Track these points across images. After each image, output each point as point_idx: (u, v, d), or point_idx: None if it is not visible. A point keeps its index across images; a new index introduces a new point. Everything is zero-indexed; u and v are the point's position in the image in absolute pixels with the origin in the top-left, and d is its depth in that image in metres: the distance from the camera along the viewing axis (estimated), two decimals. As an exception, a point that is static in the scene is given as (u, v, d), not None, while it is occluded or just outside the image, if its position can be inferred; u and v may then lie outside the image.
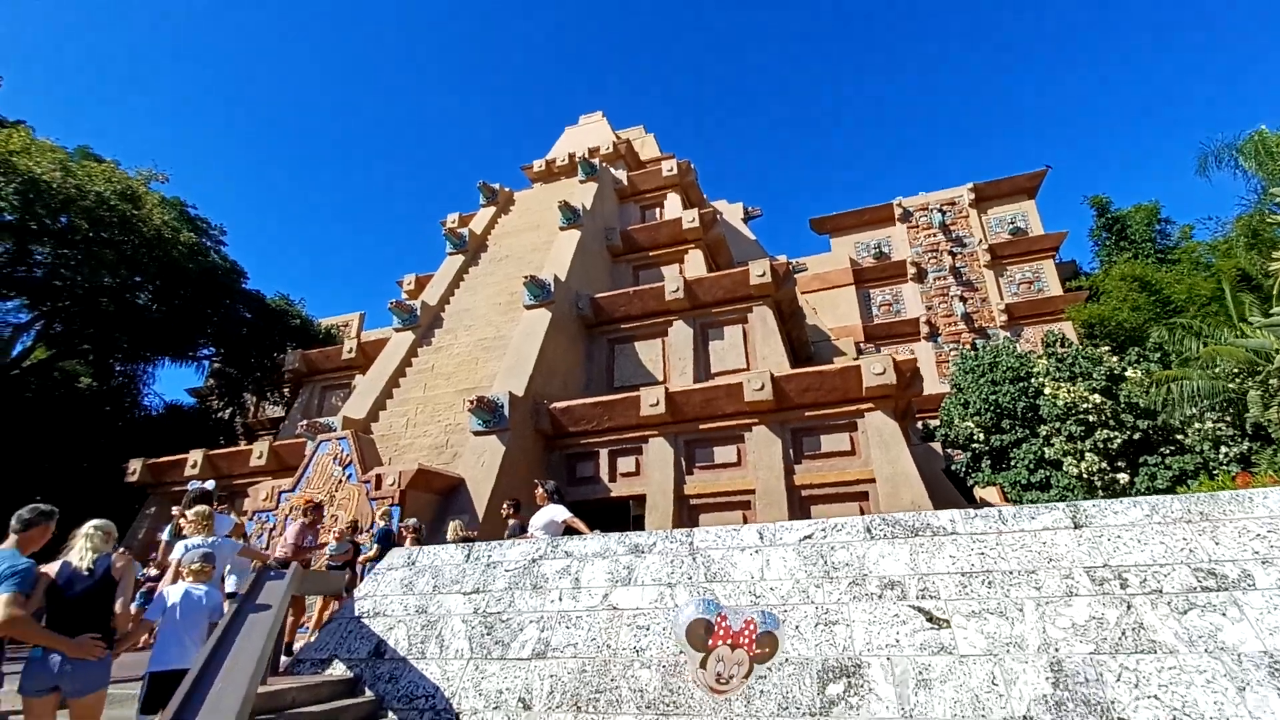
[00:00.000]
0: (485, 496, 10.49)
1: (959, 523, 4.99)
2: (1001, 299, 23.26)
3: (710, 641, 2.76)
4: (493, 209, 19.52)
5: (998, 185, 25.02)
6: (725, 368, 14.19)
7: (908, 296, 24.57)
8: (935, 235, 25.00)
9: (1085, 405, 15.87)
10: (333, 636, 6.15)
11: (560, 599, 5.66)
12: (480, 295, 16.12)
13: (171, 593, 4.26)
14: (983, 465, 18.25)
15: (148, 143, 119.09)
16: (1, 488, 15.23)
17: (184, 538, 5.33)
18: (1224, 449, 14.00)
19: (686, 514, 11.46)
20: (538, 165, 22.08)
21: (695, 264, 17.17)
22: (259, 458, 14.00)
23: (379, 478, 10.05)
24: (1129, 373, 16.12)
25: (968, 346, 22.60)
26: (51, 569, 3.79)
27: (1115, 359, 16.64)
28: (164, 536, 5.97)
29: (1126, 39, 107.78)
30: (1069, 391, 16.48)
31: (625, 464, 12.29)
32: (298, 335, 24.12)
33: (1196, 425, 14.40)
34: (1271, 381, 11.61)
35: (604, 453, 12.44)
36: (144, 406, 22.48)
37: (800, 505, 10.85)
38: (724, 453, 11.82)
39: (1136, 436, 15.04)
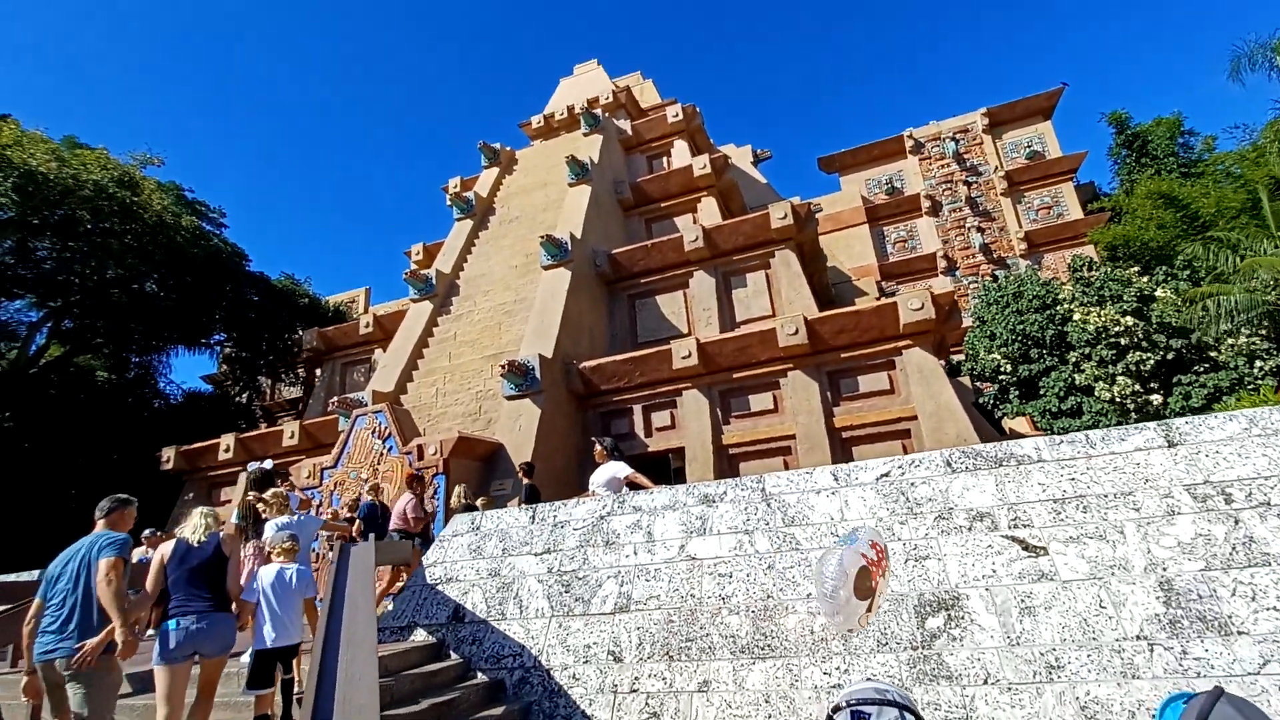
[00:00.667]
0: (527, 459, 10.47)
1: (1044, 450, 4.88)
2: (1020, 227, 22.76)
3: (872, 583, 2.68)
4: (496, 170, 18.98)
5: (1012, 108, 24.16)
6: (751, 315, 13.98)
7: (923, 231, 24.06)
8: (949, 165, 24.30)
9: (1116, 328, 15.67)
10: (409, 604, 6.19)
11: (635, 553, 5.64)
12: (494, 259, 15.81)
13: (265, 574, 4.40)
14: (1011, 396, 18.16)
15: (122, 126, 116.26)
16: (42, 484, 15.39)
17: (260, 520, 5.32)
18: (1259, 363, 13.85)
19: (726, 464, 11.47)
20: (536, 121, 21.35)
21: (709, 212, 16.75)
22: (290, 437, 14.02)
23: (420, 448, 10.03)
24: (1159, 292, 15.83)
25: (988, 278, 22.23)
26: (168, 546, 4.14)
27: (1144, 279, 16.32)
28: (233, 519, 5.94)
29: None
30: (1099, 315, 16.24)
31: (660, 418, 12.24)
32: (307, 314, 23.93)
33: (1230, 341, 14.20)
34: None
35: (638, 408, 12.38)
36: (165, 395, 22.49)
37: (842, 447, 10.82)
38: (760, 400, 11.73)
39: (1169, 356, 14.88)
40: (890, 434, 10.61)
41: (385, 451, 10.27)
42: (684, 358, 11.67)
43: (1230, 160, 20.03)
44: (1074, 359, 16.64)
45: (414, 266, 20.61)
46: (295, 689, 4.40)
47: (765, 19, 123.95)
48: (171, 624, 3.86)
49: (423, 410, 12.57)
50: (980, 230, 23.15)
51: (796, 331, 11.03)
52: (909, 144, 25.05)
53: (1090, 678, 3.74)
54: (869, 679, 4.03)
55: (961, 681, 3.98)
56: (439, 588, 6.20)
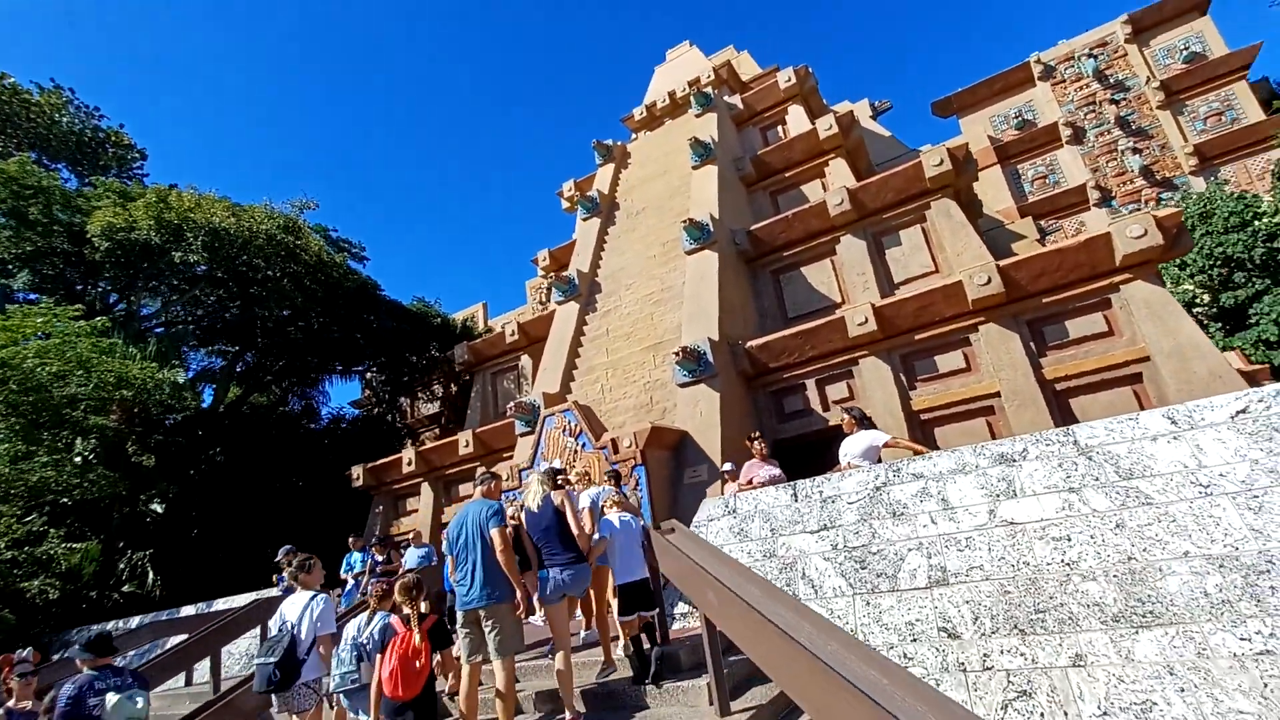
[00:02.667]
0: (716, 444, 10.33)
1: None
2: (1186, 140, 20.17)
3: None
4: (611, 166, 19.01)
5: (1160, 8, 21.43)
6: (910, 274, 13.13)
7: (1065, 163, 21.87)
8: (1088, 86, 21.92)
9: (1352, 235, 13.54)
10: (683, 592, 6.13)
11: (934, 522, 5.25)
12: (629, 253, 15.81)
13: (613, 520, 5.54)
14: (1212, 330, 16.16)
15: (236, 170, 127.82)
16: (254, 507, 17.05)
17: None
18: None
19: (919, 430, 10.80)
20: (638, 114, 21.18)
21: (839, 174, 15.92)
22: (465, 446, 14.67)
23: (614, 442, 10.09)
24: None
25: (1153, 203, 19.89)
26: (522, 514, 5.34)
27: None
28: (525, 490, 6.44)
29: None
30: (1323, 223, 14.09)
31: (835, 391, 11.73)
32: (439, 334, 25.12)
33: None
34: None
35: (810, 383, 11.93)
36: (341, 419, 24.41)
37: (1056, 400, 9.88)
38: (948, 360, 10.96)
39: None
40: (1117, 380, 9.54)
41: (579, 448, 10.43)
42: (860, 324, 11.08)
43: None
44: (1296, 277, 14.53)
45: (541, 271, 21.13)
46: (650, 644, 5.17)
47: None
48: (544, 574, 5.08)
49: (592, 407, 12.71)
50: (1136, 151, 20.72)
51: (989, 281, 10.17)
52: (1037, 70, 22.82)
53: None
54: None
55: None
56: (710, 574, 6.09)
